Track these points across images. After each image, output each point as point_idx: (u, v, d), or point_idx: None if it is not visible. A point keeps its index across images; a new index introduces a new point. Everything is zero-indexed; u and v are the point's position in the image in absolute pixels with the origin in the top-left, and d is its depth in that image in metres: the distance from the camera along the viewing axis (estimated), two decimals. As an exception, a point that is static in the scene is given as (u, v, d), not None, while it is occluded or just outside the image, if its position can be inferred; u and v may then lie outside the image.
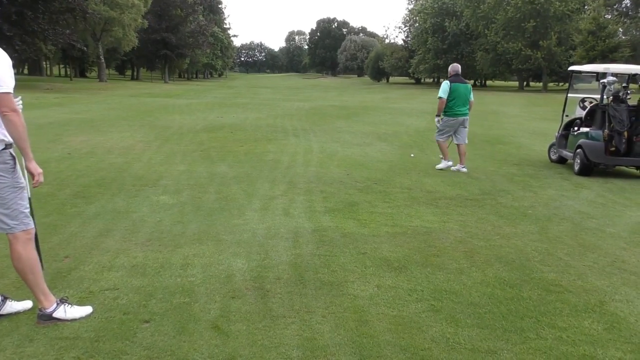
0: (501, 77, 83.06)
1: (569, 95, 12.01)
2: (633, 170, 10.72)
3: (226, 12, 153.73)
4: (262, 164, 10.60)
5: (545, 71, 64.68)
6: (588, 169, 10.24)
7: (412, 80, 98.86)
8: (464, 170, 10.46)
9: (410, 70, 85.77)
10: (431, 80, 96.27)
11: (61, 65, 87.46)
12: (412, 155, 12.37)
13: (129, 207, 6.99)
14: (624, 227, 6.84)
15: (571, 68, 11.84)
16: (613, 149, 10.01)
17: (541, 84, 68.97)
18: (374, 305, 4.19)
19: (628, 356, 3.55)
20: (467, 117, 10.70)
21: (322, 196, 7.95)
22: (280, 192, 8.13)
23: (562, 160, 11.63)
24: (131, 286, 4.43)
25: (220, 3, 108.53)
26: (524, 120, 24.06)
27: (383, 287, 4.56)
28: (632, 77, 11.07)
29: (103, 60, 56.95)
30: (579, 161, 10.36)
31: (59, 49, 50.73)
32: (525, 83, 75.27)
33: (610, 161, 10.17)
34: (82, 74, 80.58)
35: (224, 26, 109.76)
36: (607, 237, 6.33)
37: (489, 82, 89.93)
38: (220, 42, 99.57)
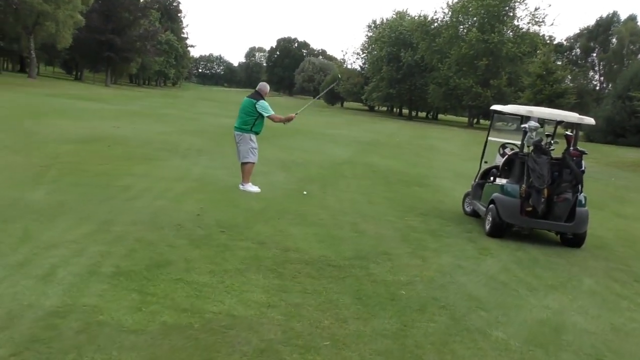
0: (453, 112, 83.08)
1: (490, 138, 10.27)
2: (553, 235, 8.97)
3: (185, 21, 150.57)
4: (101, 191, 8.40)
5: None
6: (500, 230, 8.44)
7: (366, 107, 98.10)
8: (240, 187, 9.90)
9: (363, 97, 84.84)
10: (385, 108, 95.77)
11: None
12: (304, 192, 10.39)
13: None
14: (518, 329, 4.96)
15: (493, 107, 10.12)
16: (530, 209, 8.25)
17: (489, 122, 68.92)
18: None
19: None
20: (241, 133, 9.93)
21: (128, 248, 5.81)
22: (75, 237, 5.96)
23: (476, 214, 9.82)
24: None
25: (180, 12, 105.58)
26: (457, 158, 22.51)
27: None
28: (558, 125, 9.44)
29: (34, 56, 53.30)
30: (490, 219, 8.55)
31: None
32: (475, 120, 75.15)
33: (526, 223, 8.40)
34: (23, 69, 76.26)
35: (182, 35, 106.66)
36: (488, 350, 4.41)
37: (441, 116, 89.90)
38: (175, 50, 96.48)
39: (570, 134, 8.60)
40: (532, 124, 8.42)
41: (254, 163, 9.94)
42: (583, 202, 8.41)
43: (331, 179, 12.74)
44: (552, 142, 8.65)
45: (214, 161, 13.03)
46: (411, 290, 5.63)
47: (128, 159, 11.78)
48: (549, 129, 10.03)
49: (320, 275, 5.75)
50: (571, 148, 8.43)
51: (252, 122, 9.81)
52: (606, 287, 6.60)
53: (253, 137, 9.89)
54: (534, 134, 8.42)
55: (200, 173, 11.24)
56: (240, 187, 9.83)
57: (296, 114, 10.29)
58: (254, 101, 9.80)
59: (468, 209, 10.20)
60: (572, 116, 8.88)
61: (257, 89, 10.18)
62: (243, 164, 9.91)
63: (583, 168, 8.36)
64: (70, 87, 47.84)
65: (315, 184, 11.71)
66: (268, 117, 9.82)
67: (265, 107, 9.77)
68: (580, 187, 8.36)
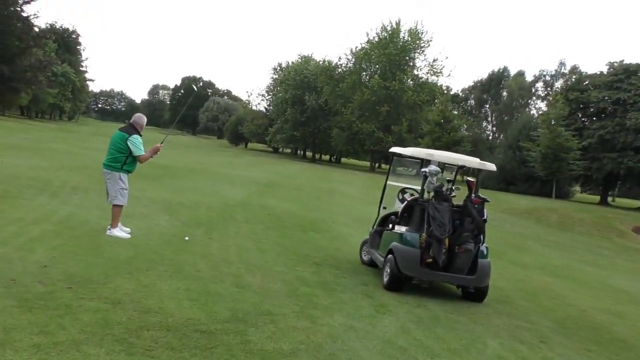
0: (355, 156, 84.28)
1: (389, 182, 9.66)
2: (454, 287, 8.35)
3: (85, 54, 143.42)
4: None
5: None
6: (398, 283, 7.72)
7: (271, 149, 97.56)
8: (107, 232, 8.54)
9: (267, 139, 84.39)
10: (289, 150, 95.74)
11: None
12: (186, 238, 9.23)
13: None
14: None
15: (392, 149, 9.55)
16: (430, 260, 7.59)
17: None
18: None
19: None
20: (109, 171, 8.64)
21: None
22: None
23: (374, 263, 9.05)
24: None
25: (79, 44, 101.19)
26: (357, 202, 22.07)
27: None
28: (460, 170, 8.96)
29: None
30: (388, 271, 7.82)
31: None
32: (377, 164, 76.49)
33: (426, 275, 7.72)
34: None
35: (80, 68, 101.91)
36: None
37: (344, 160, 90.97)
38: (72, 83, 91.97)
39: (472, 180, 8.11)
40: (433, 168, 7.87)
41: (122, 206, 8.68)
42: (485, 253, 7.89)
43: (220, 222, 11.64)
44: (453, 188, 8.12)
45: (87, 200, 11.56)
46: (273, 362, 4.66)
47: (-20, 197, 10.14)
48: (448, 175, 9.59)
49: (182, 345, 4.65)
50: (473, 195, 7.93)
51: (122, 159, 8.59)
52: (512, 351, 5.95)
53: (124, 176, 8.66)
54: (434, 178, 7.85)
55: (66, 214, 9.79)
56: (108, 232, 8.53)
57: (161, 144, 9.11)
58: (126, 136, 8.60)
59: (366, 258, 9.46)
60: (473, 161, 8.42)
61: (131, 120, 8.96)
62: (113, 206, 8.64)
63: (485, 217, 7.86)
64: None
65: (202, 228, 10.59)
66: (137, 157, 8.64)
67: (137, 144, 8.57)
68: (482, 237, 7.84)
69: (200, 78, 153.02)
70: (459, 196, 8.29)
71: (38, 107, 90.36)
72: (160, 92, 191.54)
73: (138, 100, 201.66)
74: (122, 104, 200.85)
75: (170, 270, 7.03)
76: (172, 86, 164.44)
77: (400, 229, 8.25)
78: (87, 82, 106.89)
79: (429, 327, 6.37)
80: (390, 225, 8.65)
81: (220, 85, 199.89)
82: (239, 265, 7.96)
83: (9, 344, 4.16)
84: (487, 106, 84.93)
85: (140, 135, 8.78)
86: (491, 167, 8.42)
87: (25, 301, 5.08)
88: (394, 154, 9.45)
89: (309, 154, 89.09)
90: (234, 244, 9.54)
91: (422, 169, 8.13)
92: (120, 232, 8.58)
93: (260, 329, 5.35)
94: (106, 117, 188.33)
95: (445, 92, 69.12)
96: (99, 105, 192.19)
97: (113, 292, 5.72)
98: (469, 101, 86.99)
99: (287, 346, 5.03)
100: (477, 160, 8.53)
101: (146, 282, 6.32)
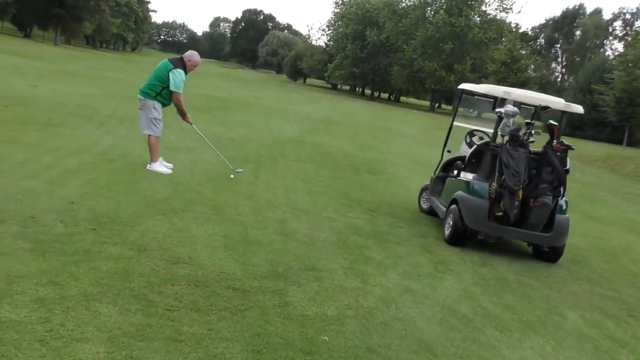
0: (415, 95, 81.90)
1: (455, 123, 8.62)
2: (522, 244, 7.41)
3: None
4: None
5: (457, 95, 63.47)
6: (462, 237, 6.85)
7: (329, 85, 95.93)
8: (148, 167, 8.01)
9: (326, 74, 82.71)
10: (348, 87, 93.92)
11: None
12: (231, 176, 8.60)
13: None
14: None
15: (462, 86, 8.46)
16: (500, 213, 6.66)
17: (451, 107, 67.86)
18: None
19: None
20: (144, 98, 8.02)
21: None
22: None
23: (435, 212, 8.17)
24: None
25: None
26: (416, 143, 20.95)
27: None
28: (538, 112, 7.79)
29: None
30: (451, 223, 6.94)
31: None
32: (437, 104, 74.01)
33: (494, 230, 6.82)
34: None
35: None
36: None
37: (403, 98, 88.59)
38: (135, 14, 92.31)
39: (556, 124, 7.00)
40: (510, 108, 6.80)
41: (158, 137, 8.08)
42: (564, 207, 6.88)
43: (269, 160, 10.95)
44: (532, 132, 7.04)
45: (133, 131, 11.02)
46: (338, 334, 3.94)
47: (22, 124, 9.75)
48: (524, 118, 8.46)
49: (210, 306, 4.00)
50: (555, 141, 6.86)
51: (159, 88, 7.94)
52: (596, 326, 5.06)
53: (158, 105, 8.02)
54: (510, 120, 6.80)
55: (109, 145, 9.32)
56: (148, 166, 7.99)
57: (191, 124, 8.64)
58: (171, 66, 7.91)
59: (425, 206, 8.59)
60: (557, 102, 7.29)
61: (183, 55, 8.28)
62: (149, 137, 8.05)
63: (568, 167, 6.81)
64: (11, 43, 44.28)
65: (249, 165, 9.93)
66: (173, 93, 7.94)
67: (177, 78, 7.87)
68: (562, 190, 6.81)
69: (261, 11, 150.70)
70: (538, 142, 7.23)
71: (102, 37, 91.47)
72: (221, 24, 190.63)
73: (199, 33, 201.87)
74: (184, 35, 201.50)
75: (209, 212, 6.39)
76: (232, 19, 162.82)
77: (467, 176, 7.30)
78: (150, 13, 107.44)
79: (497, 292, 5.52)
80: (455, 172, 7.71)
81: (281, 18, 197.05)
82: (285, 208, 7.26)
83: (9, 297, 3.59)
84: (558, 46, 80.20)
85: (186, 73, 8.07)
86: (578, 109, 7.31)
87: (40, 243, 4.53)
88: (464, 91, 8.38)
89: (367, 91, 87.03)
90: (281, 184, 8.85)
91: (497, 109, 7.06)
92: (161, 166, 8.02)
93: (302, 288, 4.65)
94: (168, 48, 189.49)
95: (514, 29, 65.28)
96: (162, 37, 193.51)
97: (140, 237, 5.12)
98: (538, 40, 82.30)
99: (332, 311, 4.31)
100: (562, 101, 7.40)
101: (180, 225, 5.70)
